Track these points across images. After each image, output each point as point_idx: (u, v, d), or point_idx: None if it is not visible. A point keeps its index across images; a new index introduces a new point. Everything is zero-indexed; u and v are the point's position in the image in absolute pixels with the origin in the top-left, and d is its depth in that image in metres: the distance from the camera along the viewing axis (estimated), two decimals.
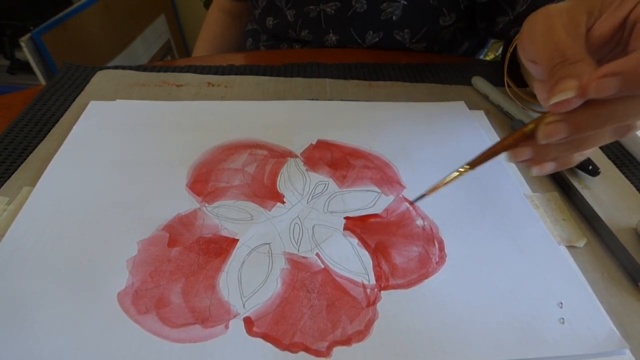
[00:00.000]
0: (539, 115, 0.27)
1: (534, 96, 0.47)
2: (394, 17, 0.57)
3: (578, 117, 0.23)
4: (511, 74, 0.48)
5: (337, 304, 0.28)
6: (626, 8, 0.25)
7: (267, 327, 0.26)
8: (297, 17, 0.61)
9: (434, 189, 0.30)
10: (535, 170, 0.27)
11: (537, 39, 0.26)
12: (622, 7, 0.25)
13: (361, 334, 0.26)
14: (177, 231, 0.31)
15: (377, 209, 0.35)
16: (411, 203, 0.34)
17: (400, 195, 0.36)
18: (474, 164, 0.28)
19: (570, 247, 0.33)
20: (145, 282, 0.28)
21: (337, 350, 0.25)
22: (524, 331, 0.27)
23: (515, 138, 0.26)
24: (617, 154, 0.43)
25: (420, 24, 0.58)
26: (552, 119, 0.24)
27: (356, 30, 0.60)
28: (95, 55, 1.15)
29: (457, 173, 0.29)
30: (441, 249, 0.32)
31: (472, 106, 0.48)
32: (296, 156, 0.39)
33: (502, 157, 0.40)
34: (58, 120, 0.42)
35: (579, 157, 0.27)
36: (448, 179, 0.29)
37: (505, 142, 0.27)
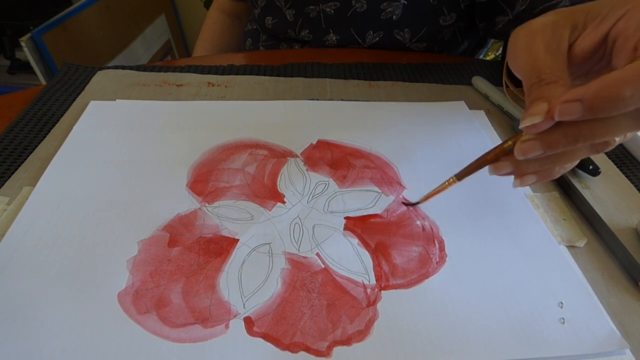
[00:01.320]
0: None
1: None
2: (394, 17, 0.57)
3: (550, 137, 0.24)
4: (511, 74, 0.48)
5: (337, 303, 0.28)
6: (608, 23, 0.25)
7: (267, 327, 0.26)
8: (297, 17, 0.61)
9: (424, 198, 0.34)
10: (517, 183, 0.28)
11: (518, 56, 0.27)
12: (604, 23, 0.25)
13: (361, 334, 0.26)
14: (177, 231, 0.31)
15: (378, 209, 0.35)
16: (406, 205, 0.35)
17: (400, 196, 0.36)
18: (460, 176, 0.31)
19: (571, 247, 0.33)
20: (146, 282, 0.28)
21: (337, 350, 0.25)
22: (524, 331, 0.27)
23: (495, 153, 0.28)
24: (618, 154, 0.43)
25: (421, 24, 0.58)
26: (527, 138, 0.25)
27: (356, 30, 0.60)
28: (95, 55, 1.15)
29: (447, 184, 0.31)
30: (441, 249, 0.32)
31: (472, 106, 0.48)
32: (296, 156, 0.39)
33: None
34: (58, 120, 0.42)
35: (560, 170, 0.28)
36: (437, 189, 0.32)
37: (487, 156, 0.29)
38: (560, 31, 0.26)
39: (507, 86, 0.48)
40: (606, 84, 0.21)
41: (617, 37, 0.25)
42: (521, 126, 0.24)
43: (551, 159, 0.26)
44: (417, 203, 0.35)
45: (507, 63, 0.29)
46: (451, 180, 0.31)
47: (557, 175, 0.28)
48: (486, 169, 0.29)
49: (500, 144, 0.28)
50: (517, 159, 0.26)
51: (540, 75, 0.24)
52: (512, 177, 0.30)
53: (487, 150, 0.29)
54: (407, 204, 0.35)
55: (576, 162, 0.28)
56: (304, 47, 0.65)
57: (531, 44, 0.26)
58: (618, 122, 0.22)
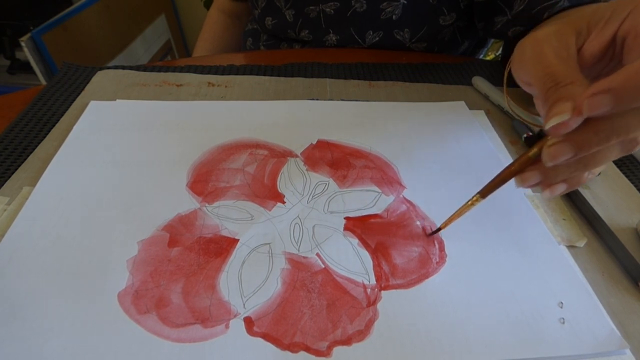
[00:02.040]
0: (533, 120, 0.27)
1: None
2: (393, 17, 0.57)
3: (580, 136, 0.23)
4: (509, 80, 0.48)
5: (337, 303, 0.28)
6: (614, 25, 0.25)
7: (267, 326, 0.26)
8: (296, 17, 0.61)
9: (448, 221, 0.31)
10: (547, 194, 0.26)
11: (527, 65, 0.26)
12: (609, 25, 0.26)
13: (361, 334, 0.26)
14: (177, 231, 0.31)
15: (378, 209, 0.35)
16: (429, 236, 0.33)
17: (401, 196, 0.36)
18: (484, 193, 0.29)
19: (571, 247, 0.33)
20: (146, 282, 0.28)
21: (338, 350, 0.25)
22: (524, 331, 0.27)
23: (520, 163, 0.26)
24: None
25: (420, 24, 0.58)
26: (555, 141, 0.23)
27: (356, 30, 0.60)
28: (95, 55, 1.15)
29: (470, 203, 0.29)
30: (441, 249, 0.32)
31: (472, 106, 0.48)
32: (296, 156, 0.39)
33: (502, 157, 0.41)
34: (58, 120, 0.42)
35: (589, 176, 0.26)
36: (461, 210, 0.30)
37: (512, 167, 0.27)
38: (566, 38, 0.26)
39: (508, 86, 0.48)
40: (632, 71, 0.20)
41: (626, 36, 0.25)
42: (547, 127, 0.23)
43: (582, 163, 0.24)
44: (441, 228, 0.32)
45: (506, 72, 0.29)
46: (475, 198, 0.29)
47: (585, 182, 0.27)
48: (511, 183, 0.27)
49: (525, 153, 0.26)
50: (544, 167, 0.25)
51: (556, 79, 0.24)
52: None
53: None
54: (433, 232, 0.32)
55: (604, 166, 0.27)
56: (304, 47, 0.65)
57: (539, 53, 0.26)
58: None
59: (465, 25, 0.62)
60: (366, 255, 0.31)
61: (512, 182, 0.28)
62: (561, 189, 0.26)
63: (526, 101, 0.47)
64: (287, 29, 0.63)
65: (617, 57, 0.26)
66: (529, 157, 0.26)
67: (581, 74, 0.24)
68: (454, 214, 0.31)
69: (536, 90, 0.25)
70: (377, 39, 0.60)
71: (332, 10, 0.59)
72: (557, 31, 0.27)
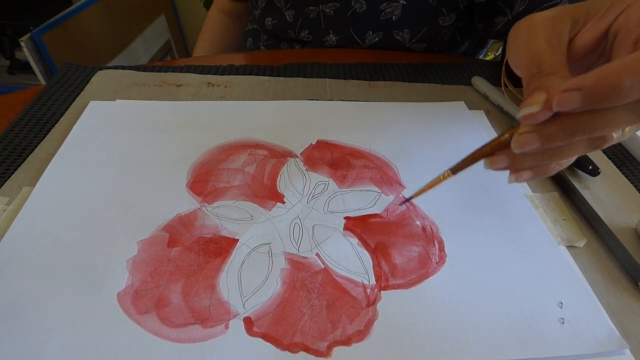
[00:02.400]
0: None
1: None
2: (393, 17, 0.57)
3: (548, 129, 0.23)
4: (510, 73, 0.48)
5: (337, 303, 0.28)
6: (609, 17, 0.25)
7: (267, 327, 0.26)
8: (296, 17, 0.61)
9: (418, 193, 0.33)
10: (512, 178, 0.27)
11: (518, 48, 0.26)
12: (605, 17, 0.25)
13: (361, 334, 0.26)
14: (177, 231, 0.31)
15: (377, 209, 0.35)
16: (400, 205, 0.35)
17: (401, 195, 0.36)
18: (455, 169, 0.29)
19: (570, 247, 0.33)
20: (145, 282, 0.28)
21: (337, 350, 0.25)
22: (524, 331, 0.27)
23: (492, 146, 0.27)
24: (617, 154, 0.43)
25: (420, 24, 0.58)
26: (525, 130, 0.24)
27: (356, 31, 0.60)
28: (95, 55, 1.15)
29: (441, 177, 0.30)
30: (441, 249, 0.32)
31: (472, 106, 0.48)
32: (296, 156, 0.39)
33: None
34: (58, 120, 0.42)
35: (556, 167, 0.27)
36: (432, 183, 0.31)
37: (483, 149, 0.28)
38: (561, 25, 0.26)
39: (505, 85, 0.48)
40: (606, 72, 0.20)
41: (618, 32, 0.25)
42: (519, 116, 0.24)
43: (548, 154, 0.25)
44: (412, 197, 0.33)
45: (506, 63, 0.29)
46: (446, 174, 0.30)
47: (553, 172, 0.28)
48: (482, 164, 0.28)
49: (497, 137, 0.27)
50: (513, 153, 0.26)
51: (540, 67, 0.24)
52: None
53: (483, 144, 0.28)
54: (403, 201, 0.35)
55: (573, 159, 0.28)
56: (304, 48, 0.65)
57: (531, 37, 0.26)
58: (617, 115, 0.22)
59: (465, 25, 0.62)
60: (366, 255, 0.31)
61: (508, 184, 0.28)
62: (527, 176, 0.27)
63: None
64: (287, 29, 0.63)
65: (608, 53, 0.26)
66: (501, 141, 0.26)
67: (566, 64, 0.24)
68: (425, 186, 0.31)
69: (522, 75, 0.26)
70: (377, 39, 0.60)
71: (331, 11, 0.59)
72: (554, 16, 0.26)
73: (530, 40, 0.26)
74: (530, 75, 0.24)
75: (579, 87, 0.21)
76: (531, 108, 0.23)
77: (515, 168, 0.27)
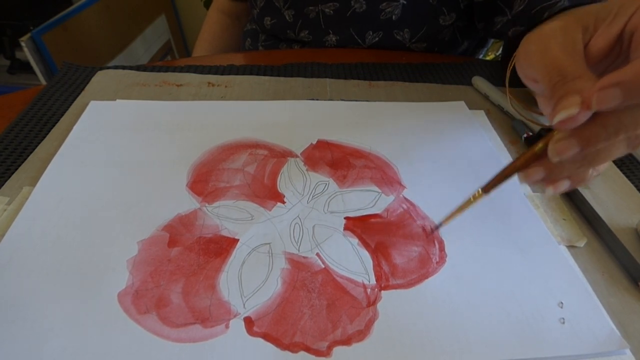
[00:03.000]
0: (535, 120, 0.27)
1: (536, 103, 0.47)
2: (393, 17, 0.57)
3: (587, 131, 0.22)
4: (513, 78, 0.48)
5: (337, 303, 0.28)
6: (621, 20, 0.25)
7: (267, 326, 0.26)
8: (296, 17, 0.61)
9: (449, 218, 0.30)
10: (550, 190, 0.26)
11: (533, 60, 0.26)
12: (616, 20, 0.25)
13: (361, 334, 0.26)
14: (177, 231, 0.31)
15: (378, 209, 0.35)
16: (429, 234, 0.33)
17: (401, 196, 0.36)
18: (487, 188, 0.28)
19: (571, 247, 0.33)
20: (146, 282, 0.28)
21: (337, 350, 0.25)
22: (524, 331, 0.27)
23: (526, 158, 0.26)
24: None
25: (420, 24, 0.58)
26: (561, 136, 0.23)
27: (356, 31, 0.60)
28: (95, 55, 1.15)
29: (472, 199, 0.28)
30: (441, 249, 0.32)
31: (472, 106, 0.48)
32: (296, 156, 0.39)
33: (502, 157, 0.41)
34: (58, 120, 0.42)
35: (593, 173, 0.26)
36: (462, 206, 0.29)
37: (517, 163, 0.26)
38: (573, 34, 0.26)
39: (509, 84, 0.48)
40: None
41: (634, 31, 0.25)
42: (555, 121, 0.23)
43: (587, 159, 0.24)
44: (441, 224, 0.31)
45: (509, 69, 0.29)
46: (477, 194, 0.28)
47: (591, 180, 0.27)
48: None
49: (530, 148, 0.25)
50: (549, 163, 0.24)
51: (563, 73, 0.23)
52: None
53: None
54: (432, 230, 0.32)
55: (608, 164, 0.26)
56: (304, 47, 0.65)
57: (546, 48, 0.25)
58: None
59: (465, 25, 0.62)
60: (366, 255, 0.31)
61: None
62: (565, 185, 0.26)
63: (527, 101, 0.47)
64: (286, 29, 0.63)
65: (624, 53, 0.26)
66: (535, 152, 0.25)
67: (588, 69, 0.24)
68: (455, 210, 0.29)
69: (542, 85, 0.25)
70: (377, 39, 0.60)
71: (331, 11, 0.59)
72: (563, 27, 0.26)
73: (545, 51, 0.25)
74: (554, 83, 0.24)
75: (617, 83, 0.20)
76: (568, 111, 0.22)
77: (552, 179, 0.26)
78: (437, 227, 0.31)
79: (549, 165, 0.25)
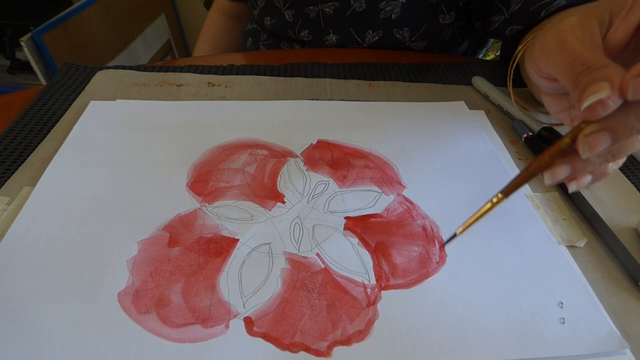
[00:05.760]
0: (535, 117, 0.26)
1: (537, 103, 0.47)
2: (393, 16, 0.57)
3: (618, 122, 0.21)
4: (514, 78, 0.48)
5: (337, 303, 0.28)
6: (638, 12, 0.25)
7: (267, 326, 0.26)
8: (296, 17, 0.61)
9: (467, 226, 0.27)
10: (573, 187, 0.25)
11: (552, 55, 0.25)
12: (633, 12, 0.25)
13: (361, 334, 0.26)
14: (177, 231, 0.31)
15: (378, 209, 0.35)
16: (443, 245, 0.31)
17: (401, 195, 0.36)
18: (507, 191, 0.25)
19: (571, 247, 0.33)
20: (146, 282, 0.28)
21: (338, 350, 0.25)
22: (524, 331, 0.27)
23: (551, 155, 0.24)
24: None
25: (420, 22, 0.58)
26: (592, 129, 0.22)
27: (355, 30, 0.60)
28: (95, 55, 1.15)
29: (490, 204, 0.26)
30: (441, 248, 0.32)
31: (472, 106, 0.48)
32: (296, 156, 0.39)
33: (502, 156, 0.41)
34: (58, 120, 0.42)
35: (613, 167, 0.25)
36: (481, 211, 0.26)
37: (541, 160, 0.24)
38: (590, 27, 0.25)
39: (512, 87, 0.48)
40: None
41: None
42: (583, 107, 0.22)
43: (612, 152, 0.23)
44: (460, 232, 0.27)
45: (512, 66, 0.28)
46: (496, 199, 0.26)
47: (609, 175, 0.26)
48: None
49: (556, 143, 0.24)
50: (574, 159, 0.23)
51: (587, 64, 0.23)
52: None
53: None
54: (448, 240, 0.28)
55: (624, 158, 0.25)
56: (304, 47, 0.65)
57: (564, 42, 0.25)
58: None
59: (465, 24, 0.62)
60: (366, 255, 0.31)
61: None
62: (587, 181, 0.25)
63: (529, 102, 0.47)
64: (286, 29, 0.63)
65: None
66: (561, 148, 0.24)
67: (610, 60, 0.23)
68: (473, 215, 0.26)
69: (562, 79, 0.24)
70: (377, 38, 0.60)
71: (331, 10, 0.59)
72: (579, 21, 0.26)
73: (564, 45, 0.25)
74: (577, 73, 0.23)
75: None
76: (598, 94, 0.21)
77: (577, 175, 0.25)
78: (451, 238, 0.28)
79: (573, 162, 0.24)
